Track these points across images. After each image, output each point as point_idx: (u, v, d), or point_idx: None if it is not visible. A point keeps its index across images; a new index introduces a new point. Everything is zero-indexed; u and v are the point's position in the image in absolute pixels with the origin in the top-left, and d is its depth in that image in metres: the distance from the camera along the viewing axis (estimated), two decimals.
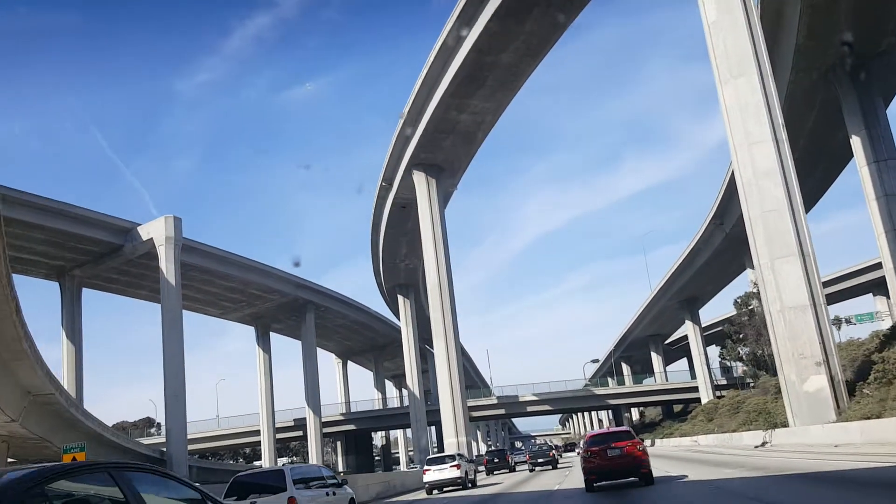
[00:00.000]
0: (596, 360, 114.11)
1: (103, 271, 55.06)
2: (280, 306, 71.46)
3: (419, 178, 46.16)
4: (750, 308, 50.21)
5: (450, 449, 42.35)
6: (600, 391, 78.64)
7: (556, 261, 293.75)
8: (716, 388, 72.08)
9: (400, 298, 70.15)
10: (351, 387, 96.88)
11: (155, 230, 51.13)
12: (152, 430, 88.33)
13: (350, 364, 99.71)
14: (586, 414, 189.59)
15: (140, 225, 51.97)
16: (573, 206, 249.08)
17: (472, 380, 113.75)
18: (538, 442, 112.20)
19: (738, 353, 50.94)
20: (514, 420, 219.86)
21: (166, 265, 50.46)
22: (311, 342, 73.00)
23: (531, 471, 40.36)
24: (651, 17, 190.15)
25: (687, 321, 73.68)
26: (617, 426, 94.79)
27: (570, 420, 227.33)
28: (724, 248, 54.26)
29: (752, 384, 67.61)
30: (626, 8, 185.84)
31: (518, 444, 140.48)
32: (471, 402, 77.84)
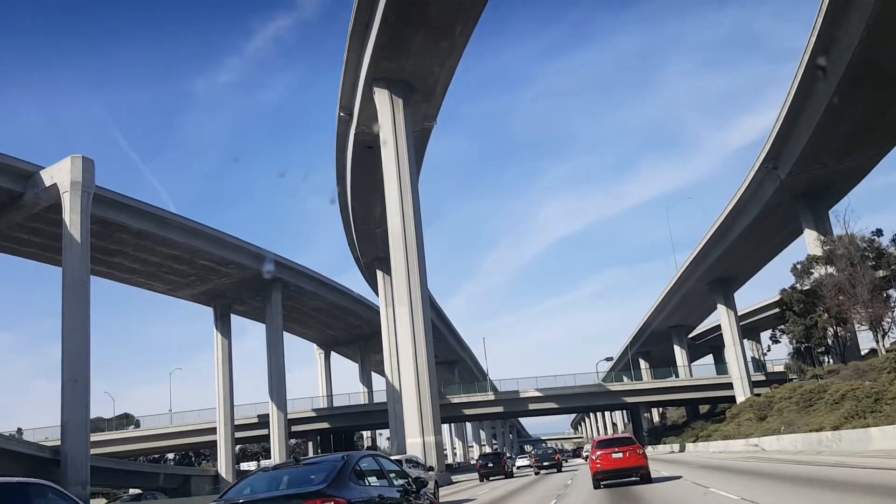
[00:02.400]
0: (610, 359, 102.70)
1: (5, 228, 44.90)
2: (240, 283, 61.03)
3: (382, 99, 35.48)
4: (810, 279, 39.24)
5: (412, 452, 31.76)
6: (615, 387, 67.48)
7: (572, 265, 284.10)
8: (753, 384, 60.81)
9: (379, 275, 59.44)
10: (339, 381, 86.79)
11: (59, 174, 40.84)
12: (130, 428, 78.96)
13: (335, 356, 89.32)
14: (599, 417, 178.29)
15: (43, 168, 41.73)
16: (590, 210, 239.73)
17: (472, 375, 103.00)
18: (546, 445, 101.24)
19: (813, 326, 38.70)
20: (523, 423, 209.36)
21: (70, 216, 40.16)
22: (276, 326, 62.52)
23: (536, 473, 40.46)
24: (671, 23, 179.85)
25: (720, 306, 62.33)
26: (634, 427, 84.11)
27: (582, 423, 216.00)
28: (776, 203, 43.02)
29: (794, 378, 56.41)
30: (644, 12, 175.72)
31: (528, 448, 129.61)
32: (463, 399, 67.07)
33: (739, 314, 66.26)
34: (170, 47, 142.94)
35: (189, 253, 53.92)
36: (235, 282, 60.89)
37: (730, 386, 65.44)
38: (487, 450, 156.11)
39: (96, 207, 42.39)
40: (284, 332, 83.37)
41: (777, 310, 72.54)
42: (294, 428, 65.79)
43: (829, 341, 40.23)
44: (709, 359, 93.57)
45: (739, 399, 59.55)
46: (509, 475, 40.43)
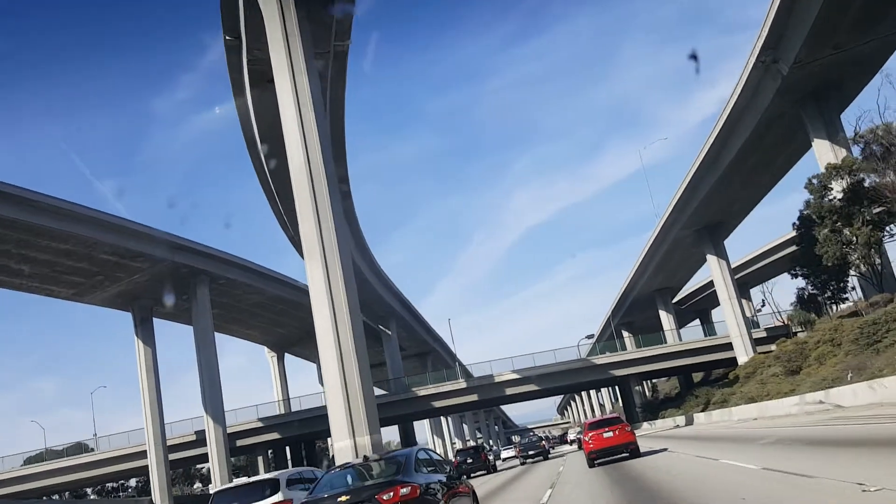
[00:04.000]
0: (591, 336, 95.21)
1: None
2: (158, 280, 52.14)
3: (268, 6, 27.03)
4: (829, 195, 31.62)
5: (341, 457, 23.76)
6: (601, 360, 59.79)
7: (547, 252, 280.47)
8: (756, 342, 53.52)
9: None
10: (302, 387, 77.98)
11: None
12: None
13: (290, 358, 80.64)
14: (586, 398, 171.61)
15: None
16: (559, 198, 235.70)
17: (446, 367, 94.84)
18: (532, 433, 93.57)
19: (848, 246, 30.60)
20: (507, 412, 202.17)
21: None
22: (205, 326, 53.73)
23: (522, 464, 38.97)
24: (623, 4, 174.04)
25: (710, 257, 54.80)
26: (625, 404, 76.66)
27: (568, 408, 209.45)
28: (776, 112, 35.26)
29: (800, 331, 49.21)
30: None
31: (516, 439, 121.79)
32: (431, 390, 58.94)
33: (739, 263, 59.04)
34: (131, 65, 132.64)
35: (84, 246, 45.04)
36: (151, 279, 51.99)
37: (727, 347, 58.09)
38: (473, 445, 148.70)
39: None
40: (227, 336, 75.02)
41: (770, 259, 65.79)
42: (239, 442, 57.08)
43: (862, 268, 32.65)
44: (695, 325, 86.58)
45: (742, 359, 52.22)
46: (491, 469, 37.84)
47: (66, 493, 65.38)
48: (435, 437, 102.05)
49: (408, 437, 73.17)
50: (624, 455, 21.11)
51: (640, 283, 72.56)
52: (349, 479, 8.84)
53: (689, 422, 43.74)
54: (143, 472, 57.35)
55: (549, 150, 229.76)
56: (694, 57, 47.71)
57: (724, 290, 53.84)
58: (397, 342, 75.45)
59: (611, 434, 20.95)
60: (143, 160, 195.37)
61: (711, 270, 54.80)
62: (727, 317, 53.95)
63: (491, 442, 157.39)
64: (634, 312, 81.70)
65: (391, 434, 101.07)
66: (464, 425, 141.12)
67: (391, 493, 7.71)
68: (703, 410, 43.56)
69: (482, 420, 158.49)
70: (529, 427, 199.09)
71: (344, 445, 24.28)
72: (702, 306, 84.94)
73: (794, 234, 43.37)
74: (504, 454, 60.18)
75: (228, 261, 54.97)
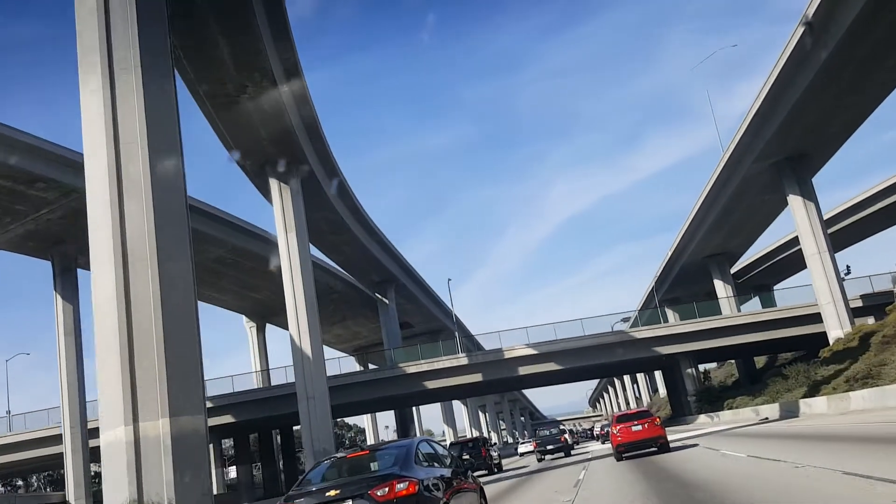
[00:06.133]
0: (626, 319, 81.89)
1: None
2: (79, 218, 40.65)
3: None
4: None
5: (110, 457, 11.22)
6: (643, 333, 46.96)
7: (580, 245, 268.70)
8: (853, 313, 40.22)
9: (273, 187, 38.95)
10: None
11: None
12: None
13: (272, 329, 69.09)
14: (620, 390, 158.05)
15: None
16: (597, 187, 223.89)
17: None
18: (562, 426, 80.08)
19: None
20: (534, 402, 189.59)
21: None
22: None
23: (540, 460, 35.02)
24: None
25: (793, 200, 41.16)
26: (669, 391, 64.01)
27: (601, 399, 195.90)
28: None
29: None
30: None
31: (544, 432, 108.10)
32: (423, 366, 46.65)
33: (832, 214, 45.65)
34: None
35: None
36: (69, 216, 40.60)
37: (807, 319, 44.93)
38: (496, 438, 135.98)
39: None
40: (206, 304, 64.02)
41: (862, 213, 52.14)
42: None
43: None
44: (755, 304, 72.88)
45: (834, 334, 38.97)
46: (494, 469, 32.06)
47: None
48: (446, 427, 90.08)
49: (405, 426, 61.22)
50: (653, 450, 20.85)
51: (690, 248, 59.25)
52: (341, 471, 8.12)
53: (787, 412, 30.11)
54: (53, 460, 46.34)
55: (588, 139, 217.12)
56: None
57: (812, 243, 40.36)
58: (395, 312, 63.47)
59: (640, 427, 20.87)
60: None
61: (795, 217, 41.25)
62: (815, 278, 40.47)
63: (516, 433, 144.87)
64: (681, 286, 68.24)
65: (387, 420, 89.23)
66: (484, 414, 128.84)
67: (386, 489, 7.02)
68: (805, 396, 30.23)
69: (506, 410, 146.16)
70: (559, 420, 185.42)
71: (115, 438, 11.93)
72: (762, 280, 71.21)
73: None
74: (521, 448, 53.70)
75: None
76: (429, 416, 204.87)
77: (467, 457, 31.08)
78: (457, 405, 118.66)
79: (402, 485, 7.06)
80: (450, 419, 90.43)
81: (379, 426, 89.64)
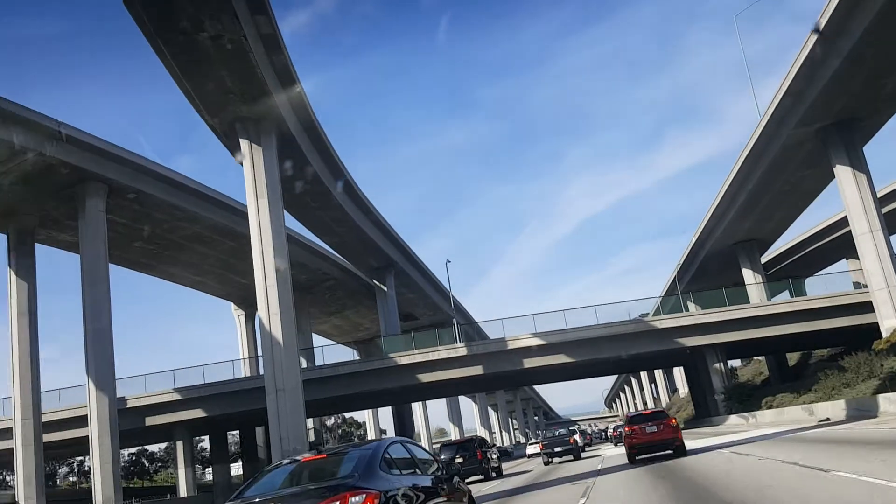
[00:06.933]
0: (645, 315, 76.35)
1: None
2: (37, 185, 36.62)
3: None
4: None
5: None
6: (664, 322, 41.81)
7: (600, 244, 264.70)
8: None
9: (244, 147, 34.22)
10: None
11: None
12: None
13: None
14: (637, 389, 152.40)
15: None
16: (615, 188, 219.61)
17: (465, 336, 77.54)
18: (578, 426, 74.57)
19: None
20: (549, 402, 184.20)
21: None
22: (96, 254, 37.62)
23: (546, 464, 31.65)
24: None
25: (840, 169, 35.72)
26: (692, 388, 58.64)
27: (617, 399, 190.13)
28: None
29: None
30: None
31: (551, 433, 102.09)
32: (416, 357, 41.79)
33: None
34: None
35: None
36: (24, 184, 36.26)
37: (854, 309, 39.58)
38: (507, 438, 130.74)
39: None
40: (193, 291, 59.69)
41: None
42: (150, 420, 41.11)
43: None
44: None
45: (889, 324, 33.54)
46: (492, 474, 28.73)
47: None
48: (452, 426, 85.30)
49: (402, 423, 56.42)
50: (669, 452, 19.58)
51: (716, 233, 53.87)
52: (287, 479, 6.75)
53: (858, 411, 24.08)
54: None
55: (607, 138, 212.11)
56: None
57: (864, 220, 34.85)
58: (395, 300, 58.65)
59: (654, 429, 19.80)
60: None
61: (843, 191, 35.71)
62: (867, 261, 34.97)
63: (528, 433, 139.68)
64: (706, 276, 62.82)
65: (384, 420, 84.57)
66: (496, 413, 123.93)
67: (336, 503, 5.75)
68: (879, 391, 24.57)
69: (518, 409, 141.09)
70: (574, 420, 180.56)
71: None
72: (795, 272, 65.51)
73: None
74: (529, 450, 51.34)
75: (136, 164, 38.75)
76: (437, 415, 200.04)
77: (460, 460, 28.12)
78: (467, 403, 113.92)
79: (356, 498, 5.80)
80: (456, 417, 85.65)
81: (384, 424, 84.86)
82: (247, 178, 33.94)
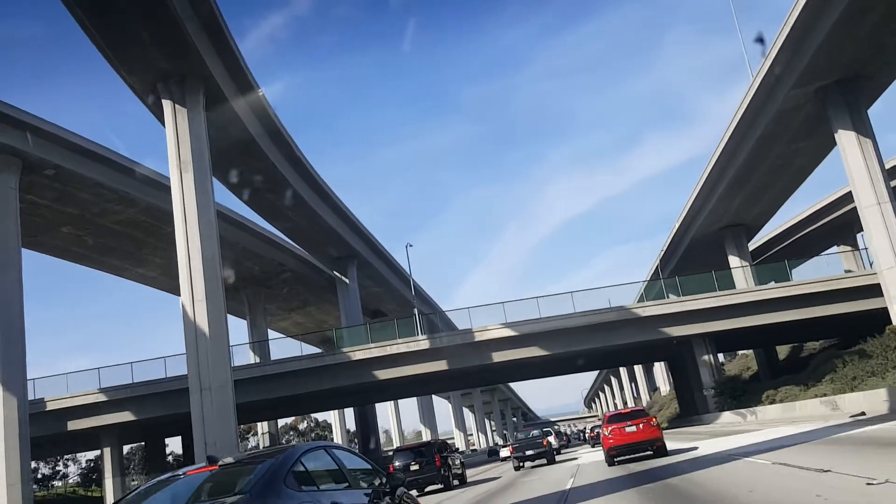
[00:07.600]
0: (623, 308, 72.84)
1: None
2: None
3: None
4: None
5: None
6: (648, 310, 38.00)
7: (581, 245, 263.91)
8: None
9: (167, 108, 29.72)
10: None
11: None
12: None
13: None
14: (616, 389, 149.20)
15: None
16: (596, 189, 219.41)
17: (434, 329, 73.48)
18: (556, 427, 70.70)
19: None
20: (529, 402, 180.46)
21: None
22: (4, 235, 32.84)
23: (517, 468, 29.06)
24: None
25: (842, 134, 32.03)
26: (677, 383, 54.93)
27: (597, 399, 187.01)
28: None
29: None
30: None
31: (534, 433, 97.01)
32: (374, 351, 37.48)
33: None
34: None
35: None
36: None
37: (859, 294, 36.02)
38: (483, 440, 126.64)
39: None
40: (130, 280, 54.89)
41: None
42: (73, 424, 36.38)
43: None
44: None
45: None
46: (452, 482, 25.13)
47: None
48: (424, 428, 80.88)
49: (366, 425, 52.04)
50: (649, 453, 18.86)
51: (701, 216, 50.30)
52: (176, 496, 5.27)
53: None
54: None
55: (587, 140, 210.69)
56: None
57: (870, 191, 31.16)
58: (357, 292, 54.27)
59: (634, 429, 18.95)
60: None
61: (846, 159, 31.99)
62: (873, 237, 31.29)
63: (506, 434, 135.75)
64: (691, 264, 59.17)
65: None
66: (473, 414, 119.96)
67: None
68: None
69: (496, 409, 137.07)
70: (553, 420, 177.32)
71: None
72: (783, 257, 62.31)
73: None
74: (503, 453, 49.52)
75: (51, 134, 33.96)
76: (412, 416, 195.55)
77: (416, 467, 24.90)
78: (442, 404, 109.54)
79: None
80: (429, 419, 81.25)
81: (349, 426, 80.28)
82: (169, 145, 29.49)
